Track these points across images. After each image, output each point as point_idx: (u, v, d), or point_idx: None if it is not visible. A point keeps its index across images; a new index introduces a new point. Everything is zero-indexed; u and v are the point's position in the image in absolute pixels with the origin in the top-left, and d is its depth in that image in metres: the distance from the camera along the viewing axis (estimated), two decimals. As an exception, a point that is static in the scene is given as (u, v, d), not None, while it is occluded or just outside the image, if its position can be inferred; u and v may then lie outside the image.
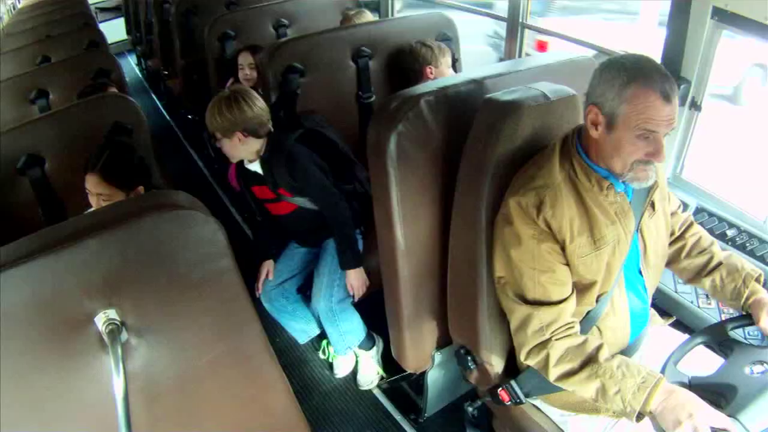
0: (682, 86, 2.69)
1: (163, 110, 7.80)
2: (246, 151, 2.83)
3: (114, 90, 3.32)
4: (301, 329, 3.23)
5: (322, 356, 3.35)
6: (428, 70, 3.25)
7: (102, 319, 1.28)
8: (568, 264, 1.85)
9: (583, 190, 1.83)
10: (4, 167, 2.45)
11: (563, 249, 1.83)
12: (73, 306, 1.26)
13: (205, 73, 4.52)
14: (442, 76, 3.19)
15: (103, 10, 11.56)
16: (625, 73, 1.67)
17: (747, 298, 1.97)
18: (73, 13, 6.22)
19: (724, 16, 2.50)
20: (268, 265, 3.13)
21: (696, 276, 2.11)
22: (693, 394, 1.65)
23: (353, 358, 3.25)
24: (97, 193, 2.33)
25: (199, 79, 4.96)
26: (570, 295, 1.86)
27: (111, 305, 1.29)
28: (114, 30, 9.93)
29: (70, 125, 2.58)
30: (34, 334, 1.25)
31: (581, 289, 1.89)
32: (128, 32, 10.20)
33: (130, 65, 10.14)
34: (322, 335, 3.23)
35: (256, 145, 2.81)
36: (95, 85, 3.31)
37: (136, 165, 2.46)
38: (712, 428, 1.57)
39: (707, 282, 2.07)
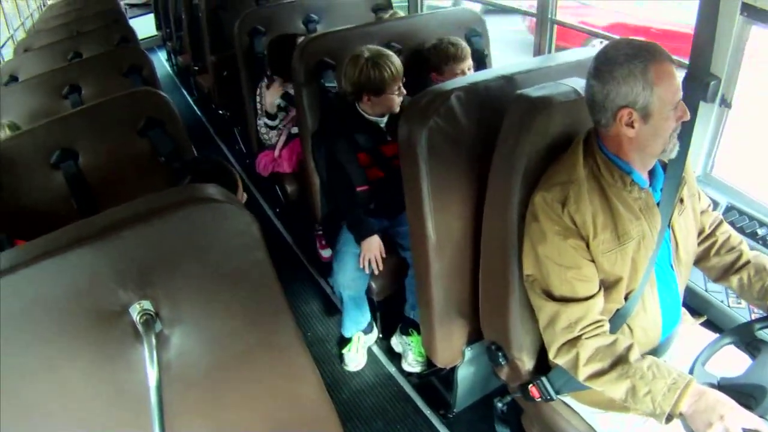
0: (712, 83, 2.67)
1: (194, 106, 7.86)
2: None
3: None
4: (364, 316, 3.25)
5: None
6: (433, 75, 3.24)
7: (137, 310, 1.29)
8: (593, 260, 1.84)
9: (606, 186, 1.83)
10: (38, 161, 2.49)
11: (587, 245, 1.83)
12: (108, 297, 1.27)
13: (236, 68, 4.51)
14: None
15: (132, 6, 11.72)
16: (636, 60, 1.66)
17: None
18: (102, 10, 6.26)
19: (754, 12, 2.49)
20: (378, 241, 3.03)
21: (724, 274, 2.09)
22: (723, 395, 1.64)
23: (364, 354, 3.30)
24: None
25: (230, 74, 4.97)
26: (597, 292, 1.86)
27: (146, 296, 1.30)
28: (144, 26, 10.02)
29: (103, 120, 2.60)
30: (70, 325, 1.26)
31: (608, 286, 1.88)
32: (158, 28, 10.29)
33: (161, 61, 10.22)
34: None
35: None
36: None
37: None
38: (743, 429, 1.56)
39: (734, 280, 2.06)
